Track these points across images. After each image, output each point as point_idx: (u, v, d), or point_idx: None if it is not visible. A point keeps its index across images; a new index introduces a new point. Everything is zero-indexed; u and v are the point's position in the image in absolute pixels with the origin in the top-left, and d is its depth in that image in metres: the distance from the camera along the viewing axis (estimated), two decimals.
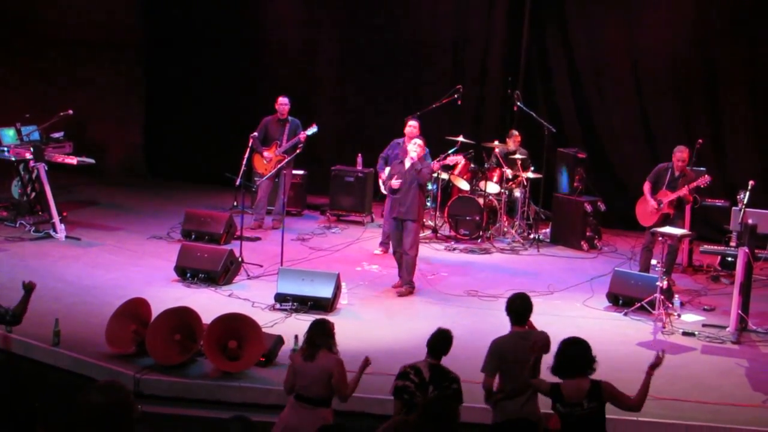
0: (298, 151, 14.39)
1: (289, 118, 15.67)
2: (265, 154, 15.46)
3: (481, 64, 18.00)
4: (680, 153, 13.29)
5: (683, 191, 13.07)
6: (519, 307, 8.10)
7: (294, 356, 8.22)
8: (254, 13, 19.34)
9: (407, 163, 12.78)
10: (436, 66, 18.35)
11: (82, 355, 10.14)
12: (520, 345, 7.90)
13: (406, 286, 12.81)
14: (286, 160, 14.92)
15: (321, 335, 7.99)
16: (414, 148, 12.82)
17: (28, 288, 8.97)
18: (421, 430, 6.48)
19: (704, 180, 13.20)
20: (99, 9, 19.73)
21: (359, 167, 16.74)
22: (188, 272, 12.76)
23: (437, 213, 16.14)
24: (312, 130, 15.35)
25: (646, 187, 13.46)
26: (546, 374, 7.66)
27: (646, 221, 13.45)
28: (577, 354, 7.37)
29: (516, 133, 16.17)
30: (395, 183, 12.72)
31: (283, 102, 15.65)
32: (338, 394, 7.92)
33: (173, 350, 9.94)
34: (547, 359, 7.75)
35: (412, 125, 14.62)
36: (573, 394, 7.27)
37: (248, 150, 14.89)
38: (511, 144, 16.05)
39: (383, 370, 8.76)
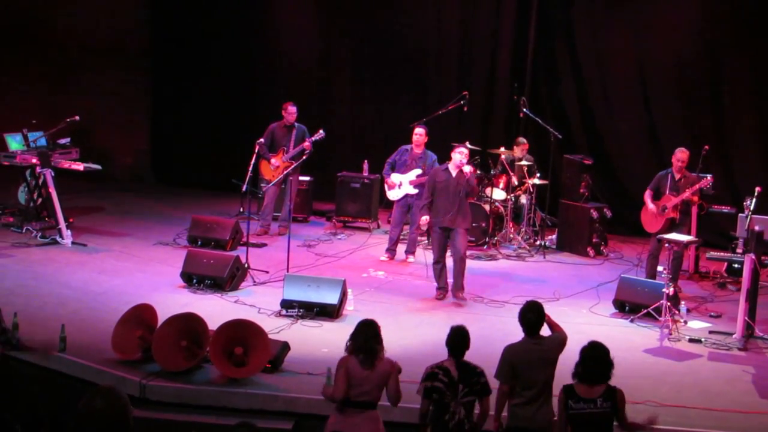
0: (305, 157, 14.39)
1: (296, 124, 15.68)
2: (272, 160, 15.47)
3: (487, 71, 18.00)
4: (680, 153, 13.26)
5: (687, 194, 13.04)
6: (531, 319, 8.10)
7: (351, 364, 7.80)
8: (262, 20, 19.37)
9: (453, 171, 12.71)
10: (442, 72, 18.36)
11: (88, 361, 10.12)
12: (533, 350, 7.91)
13: (462, 293, 12.79)
14: (293, 166, 14.90)
15: (376, 340, 7.84)
16: (461, 158, 12.78)
17: None
18: None
19: (707, 181, 13.18)
20: (107, 16, 19.80)
21: (365, 173, 16.74)
22: (194, 278, 12.76)
23: None
24: (318, 136, 15.35)
25: (647, 195, 13.44)
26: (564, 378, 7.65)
27: (651, 227, 13.42)
28: (600, 357, 7.35)
29: (524, 140, 16.16)
30: (423, 222, 13.06)
31: (291, 111, 15.65)
32: (394, 398, 7.84)
33: (179, 356, 9.93)
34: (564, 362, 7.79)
35: (419, 133, 14.64)
36: (587, 393, 7.26)
37: (255, 156, 14.88)
38: (518, 152, 16.06)
39: None
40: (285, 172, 15.21)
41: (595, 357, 7.34)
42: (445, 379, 7.73)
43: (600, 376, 7.31)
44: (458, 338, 7.96)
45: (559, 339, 8.14)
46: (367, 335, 7.83)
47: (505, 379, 7.96)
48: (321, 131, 15.38)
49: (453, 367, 7.79)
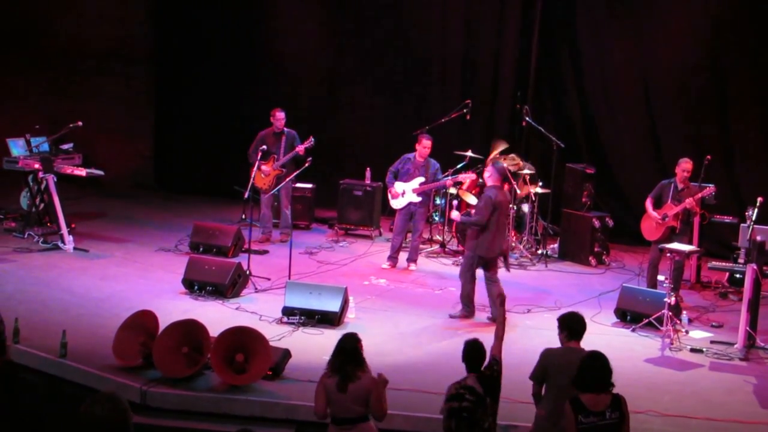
0: (307, 165, 14.36)
1: (285, 130, 15.62)
2: (263, 168, 15.41)
3: (490, 80, 18.01)
4: (685, 164, 13.26)
5: (689, 202, 13.03)
6: (571, 322, 8.17)
7: (329, 382, 7.80)
8: (264, 27, 19.40)
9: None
10: (445, 81, 18.38)
11: (89, 367, 10.12)
12: (570, 359, 7.89)
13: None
14: (292, 175, 14.81)
15: (354, 361, 7.82)
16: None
17: None
18: None
19: (709, 191, 13.18)
20: (110, 22, 19.83)
21: (368, 181, 16.74)
22: (196, 285, 12.76)
23: (445, 228, 16.13)
24: (309, 143, 15.26)
25: (648, 203, 13.45)
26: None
27: (651, 236, 13.42)
28: (600, 368, 7.34)
29: (513, 156, 15.97)
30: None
31: (280, 117, 15.59)
32: (376, 414, 7.78)
33: (180, 363, 9.92)
34: None
35: (427, 145, 14.61)
36: (594, 404, 7.23)
37: (256, 163, 14.89)
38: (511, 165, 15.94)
39: (392, 384, 8.72)
40: (277, 179, 15.20)
41: (595, 366, 7.33)
42: (472, 398, 7.65)
43: (602, 384, 7.29)
44: (475, 353, 7.92)
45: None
46: (345, 359, 7.83)
47: (537, 380, 8.04)
48: (312, 138, 15.31)
49: (476, 384, 7.73)
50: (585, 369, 7.36)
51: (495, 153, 15.78)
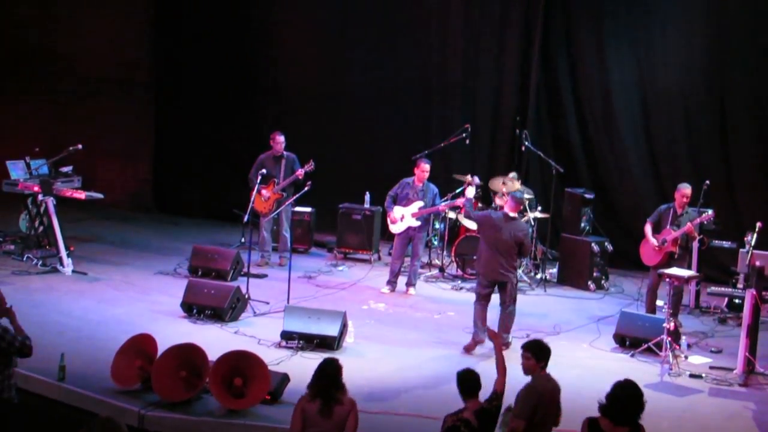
0: (306, 188, 14.36)
1: (285, 153, 15.66)
2: (263, 192, 15.44)
3: (490, 104, 18.03)
4: (684, 190, 13.28)
5: (688, 228, 13.04)
6: (544, 351, 8.13)
7: (308, 406, 7.86)
8: (263, 50, 19.45)
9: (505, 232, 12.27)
10: (445, 105, 18.40)
11: (88, 390, 10.11)
12: (547, 388, 7.88)
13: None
14: (291, 199, 14.81)
15: (334, 387, 7.84)
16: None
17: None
18: None
19: (708, 216, 13.19)
20: (110, 45, 19.91)
21: (367, 205, 16.75)
22: (195, 308, 12.75)
23: (444, 252, 16.13)
24: (309, 167, 15.27)
25: (647, 228, 13.45)
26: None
27: (650, 260, 13.41)
28: (633, 397, 7.17)
29: (513, 175, 16.00)
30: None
31: (280, 141, 15.63)
32: None
33: (179, 387, 9.91)
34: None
35: (425, 169, 14.62)
36: (611, 430, 7.12)
37: (255, 187, 14.92)
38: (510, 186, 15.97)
39: (390, 409, 8.75)
40: (277, 203, 15.19)
41: (627, 396, 7.13)
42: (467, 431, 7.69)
43: (627, 417, 7.10)
44: (468, 381, 7.92)
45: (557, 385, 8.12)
46: (327, 383, 7.83)
47: (527, 418, 7.88)
48: (311, 162, 15.32)
49: (473, 418, 7.72)
50: (617, 398, 7.13)
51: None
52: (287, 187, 15.46)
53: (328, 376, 7.89)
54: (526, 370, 8.10)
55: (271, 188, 15.48)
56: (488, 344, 12.02)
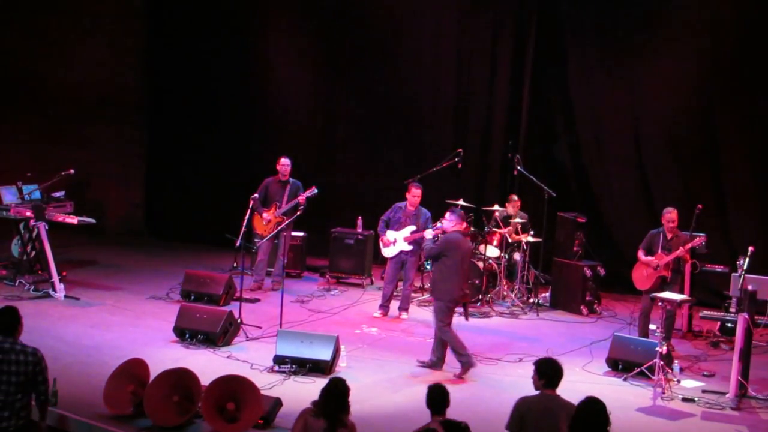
0: (299, 213, 14.39)
1: (290, 179, 15.71)
2: (264, 215, 15.48)
3: (482, 128, 18.10)
4: (669, 214, 13.34)
5: (680, 252, 13.07)
6: (550, 370, 8.11)
7: (311, 421, 7.83)
8: (258, 75, 19.50)
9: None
10: (437, 129, 18.46)
11: (80, 415, 10.05)
12: (547, 406, 7.86)
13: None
14: (286, 222, 14.88)
15: (341, 408, 7.84)
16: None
17: None
18: None
19: (699, 240, 13.23)
20: (101, 69, 19.90)
21: (359, 230, 16.77)
22: (187, 333, 12.72)
23: None
24: (311, 192, 15.34)
25: (640, 254, 13.49)
26: None
27: (642, 285, 13.45)
28: (596, 413, 7.21)
29: (516, 198, 16.21)
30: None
31: (285, 163, 15.70)
32: None
33: (171, 411, 9.89)
34: None
35: (417, 194, 14.65)
36: None
37: (249, 211, 14.91)
38: (511, 209, 16.11)
39: None
40: (278, 227, 15.19)
41: (590, 413, 7.23)
42: None
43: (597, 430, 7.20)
44: (437, 396, 7.94)
45: (569, 408, 8.01)
46: (336, 405, 7.82)
47: (513, 430, 7.91)
48: (314, 188, 15.37)
49: (440, 428, 7.72)
50: (580, 416, 7.24)
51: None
52: (288, 211, 15.46)
53: (336, 396, 7.87)
54: (533, 385, 8.14)
55: (273, 212, 15.50)
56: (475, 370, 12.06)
